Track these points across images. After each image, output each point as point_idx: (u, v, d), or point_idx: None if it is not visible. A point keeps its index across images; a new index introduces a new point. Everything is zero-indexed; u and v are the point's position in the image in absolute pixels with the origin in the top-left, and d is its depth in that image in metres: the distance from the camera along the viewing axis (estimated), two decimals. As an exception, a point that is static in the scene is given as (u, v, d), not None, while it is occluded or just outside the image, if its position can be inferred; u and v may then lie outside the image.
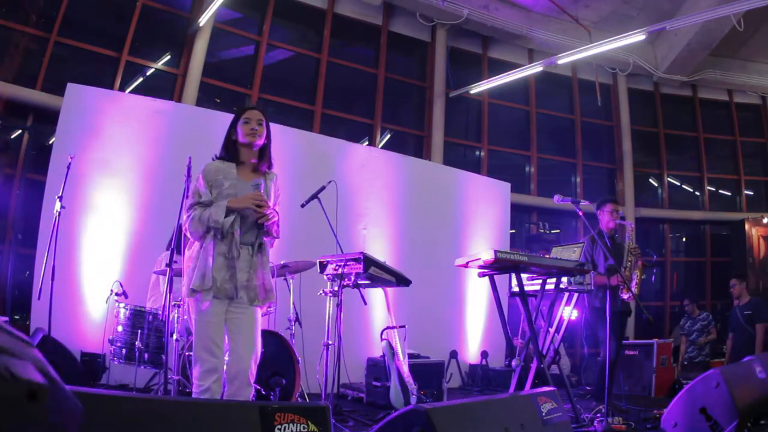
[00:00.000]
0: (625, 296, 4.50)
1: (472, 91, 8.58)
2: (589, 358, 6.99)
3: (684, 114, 10.42)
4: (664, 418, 3.43)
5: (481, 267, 3.95)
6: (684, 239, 10.82)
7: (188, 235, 2.66)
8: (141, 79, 6.72)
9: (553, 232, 8.75)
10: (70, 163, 4.25)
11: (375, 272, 3.87)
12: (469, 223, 7.35)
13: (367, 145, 7.99)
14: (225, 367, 2.58)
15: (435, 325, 6.59)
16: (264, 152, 2.78)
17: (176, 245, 3.88)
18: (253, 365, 2.62)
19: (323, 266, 4.06)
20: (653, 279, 8.21)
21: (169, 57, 7.01)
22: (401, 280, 4.10)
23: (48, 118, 5.61)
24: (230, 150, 2.75)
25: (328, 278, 4.01)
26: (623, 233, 5.26)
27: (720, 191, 10.56)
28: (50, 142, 5.60)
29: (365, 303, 4.23)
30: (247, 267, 2.63)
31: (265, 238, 2.71)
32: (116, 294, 4.34)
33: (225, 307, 2.59)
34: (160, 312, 4.02)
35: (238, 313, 2.61)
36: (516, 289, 4.09)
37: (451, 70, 8.64)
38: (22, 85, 5.85)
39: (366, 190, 6.53)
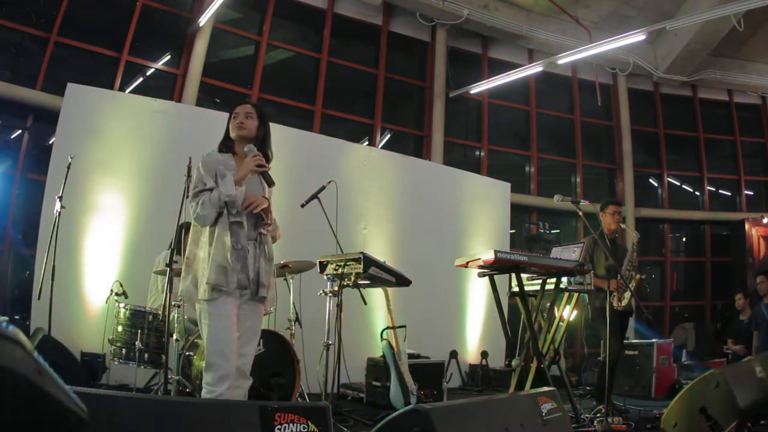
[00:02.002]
0: (614, 304, 4.44)
1: (472, 91, 8.58)
2: (589, 358, 6.99)
3: (684, 114, 10.42)
4: (664, 418, 3.43)
5: (481, 267, 3.95)
6: (684, 239, 10.82)
7: (198, 221, 2.62)
8: (141, 79, 6.72)
9: (553, 232, 8.75)
10: (70, 163, 4.25)
11: (375, 272, 3.87)
12: (469, 223, 7.35)
13: (367, 145, 7.99)
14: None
15: (435, 325, 6.58)
16: (258, 144, 2.76)
17: (176, 245, 3.88)
18: (251, 358, 2.69)
19: (323, 266, 4.06)
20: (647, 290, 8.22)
21: (169, 57, 7.01)
22: (401, 280, 4.10)
23: (48, 118, 5.61)
24: (226, 144, 2.79)
25: (328, 278, 4.01)
26: (623, 237, 5.23)
27: (720, 191, 10.56)
28: (50, 142, 5.60)
29: (365, 303, 4.23)
30: (254, 262, 2.65)
31: (262, 231, 2.71)
32: (116, 294, 4.34)
33: (237, 307, 2.60)
34: (160, 312, 4.02)
35: (245, 309, 2.64)
36: (516, 289, 4.08)
37: (451, 70, 8.64)
38: (22, 85, 5.85)
39: (366, 190, 6.53)
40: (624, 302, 4.41)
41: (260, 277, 2.66)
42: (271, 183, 2.76)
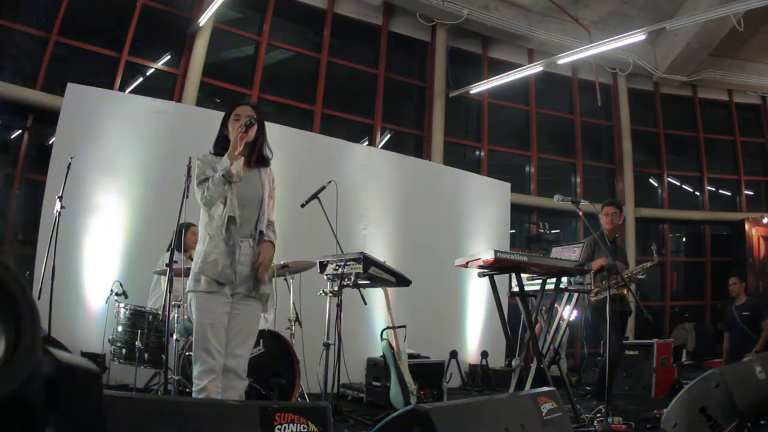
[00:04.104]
0: (591, 296, 4.50)
1: (472, 91, 8.58)
2: (589, 358, 6.99)
3: (684, 114, 10.42)
4: (664, 418, 3.43)
5: (481, 267, 3.95)
6: (684, 239, 10.81)
7: (206, 204, 2.61)
8: (141, 79, 6.72)
9: (553, 232, 8.74)
10: (70, 163, 4.26)
11: (375, 272, 3.87)
12: (469, 223, 7.35)
13: (367, 145, 7.98)
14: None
15: (435, 325, 6.58)
16: (255, 146, 2.78)
17: (176, 245, 3.88)
18: (246, 358, 2.68)
19: (323, 266, 4.06)
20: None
21: (169, 57, 7.01)
22: (401, 280, 4.10)
23: (48, 118, 5.61)
24: (221, 144, 2.78)
25: (328, 278, 4.01)
26: (623, 239, 5.24)
27: (720, 191, 10.56)
28: (50, 142, 5.60)
29: (365, 303, 4.23)
30: (249, 260, 2.65)
31: (263, 230, 2.72)
32: (116, 294, 4.34)
33: (228, 306, 2.60)
34: (160, 312, 4.03)
35: (239, 308, 2.64)
36: (516, 289, 4.09)
37: (451, 70, 8.64)
38: (22, 85, 5.85)
39: (366, 190, 6.52)
40: (600, 296, 4.42)
41: (254, 275, 2.66)
42: (267, 160, 2.82)
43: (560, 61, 7.77)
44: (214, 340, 2.54)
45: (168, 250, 4.02)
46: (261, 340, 3.83)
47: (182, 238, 4.11)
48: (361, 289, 4.14)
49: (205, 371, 2.52)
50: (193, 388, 2.54)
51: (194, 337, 2.58)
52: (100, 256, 5.02)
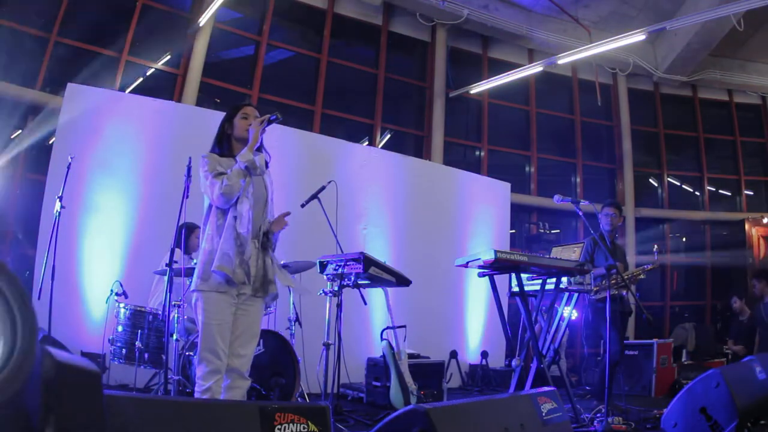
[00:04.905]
0: (591, 296, 4.53)
1: (472, 91, 8.57)
2: (589, 358, 6.99)
3: (684, 114, 10.41)
4: (664, 418, 3.43)
5: (481, 267, 3.95)
6: (684, 239, 10.81)
7: (226, 194, 2.59)
8: (141, 79, 6.72)
9: (553, 232, 8.74)
10: (70, 163, 4.26)
11: (375, 272, 3.87)
12: (469, 223, 7.35)
13: (367, 145, 7.99)
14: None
15: (435, 325, 6.58)
16: (258, 148, 2.82)
17: (177, 244, 3.88)
18: (250, 359, 2.69)
19: (323, 266, 4.06)
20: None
21: (169, 57, 7.01)
22: (401, 280, 4.10)
23: (48, 118, 5.61)
24: (224, 145, 2.80)
25: (328, 278, 4.01)
26: (623, 239, 5.25)
27: (720, 191, 10.55)
28: (50, 142, 5.60)
29: (365, 303, 4.23)
30: (255, 261, 2.66)
31: (267, 231, 2.73)
32: (116, 294, 4.34)
33: (233, 306, 2.61)
34: (160, 312, 4.02)
35: (244, 308, 2.65)
36: (516, 289, 4.09)
37: (451, 70, 8.64)
38: (22, 85, 5.84)
39: (366, 190, 6.52)
40: (600, 296, 4.43)
41: (259, 274, 2.68)
42: (266, 163, 2.86)
43: (560, 61, 7.76)
44: (220, 340, 2.54)
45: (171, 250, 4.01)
46: (261, 340, 3.82)
47: (186, 239, 4.10)
48: (361, 289, 4.14)
49: (210, 372, 2.52)
50: (197, 389, 2.54)
51: (200, 338, 2.57)
52: (100, 256, 5.02)
